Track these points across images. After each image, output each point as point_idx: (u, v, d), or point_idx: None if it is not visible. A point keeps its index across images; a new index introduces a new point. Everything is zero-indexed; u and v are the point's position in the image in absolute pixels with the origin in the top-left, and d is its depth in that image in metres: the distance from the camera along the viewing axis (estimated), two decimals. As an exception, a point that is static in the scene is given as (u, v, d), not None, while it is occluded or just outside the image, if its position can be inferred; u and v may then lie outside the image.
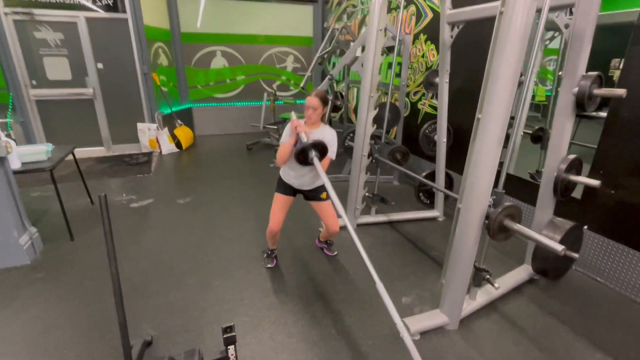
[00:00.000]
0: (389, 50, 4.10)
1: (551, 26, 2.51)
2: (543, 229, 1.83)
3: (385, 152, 3.00)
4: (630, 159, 2.10)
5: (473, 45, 3.13)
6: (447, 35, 2.65)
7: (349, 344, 1.80)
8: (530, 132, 2.94)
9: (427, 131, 3.20)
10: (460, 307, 1.86)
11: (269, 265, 2.42)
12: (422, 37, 3.99)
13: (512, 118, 1.61)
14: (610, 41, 1.87)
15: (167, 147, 5.45)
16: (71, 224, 2.79)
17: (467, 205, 1.68)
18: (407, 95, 4.32)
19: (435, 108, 3.88)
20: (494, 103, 1.51)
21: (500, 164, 1.65)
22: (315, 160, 1.96)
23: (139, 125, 5.33)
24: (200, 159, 5.29)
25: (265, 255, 2.49)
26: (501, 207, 1.63)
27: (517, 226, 1.62)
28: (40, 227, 2.74)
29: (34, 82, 4.78)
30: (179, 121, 5.77)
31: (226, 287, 2.22)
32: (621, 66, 2.13)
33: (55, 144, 3.00)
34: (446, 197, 3.34)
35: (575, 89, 1.81)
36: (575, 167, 2.01)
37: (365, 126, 2.74)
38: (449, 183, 3.24)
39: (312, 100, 2.05)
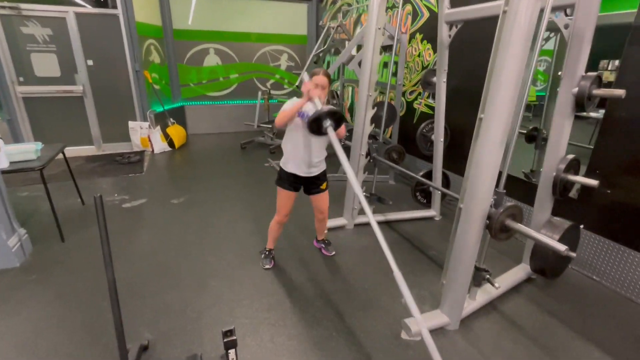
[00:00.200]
0: (385, 49, 4.09)
1: (547, 27, 2.53)
2: (542, 229, 1.83)
3: (381, 152, 2.99)
4: (626, 159, 2.13)
5: (470, 45, 3.14)
6: (445, 34, 2.64)
7: (350, 344, 1.78)
8: (525, 131, 2.97)
9: (424, 131, 3.20)
10: (461, 307, 1.86)
11: (267, 267, 2.38)
12: (418, 36, 3.99)
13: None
14: (598, 43, 1.91)
15: (160, 145, 5.36)
16: (61, 224, 2.71)
17: (469, 205, 1.67)
18: (403, 94, 4.32)
19: (431, 107, 3.89)
20: (496, 103, 1.50)
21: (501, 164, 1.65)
22: (330, 130, 1.80)
23: (131, 124, 5.22)
24: (193, 158, 5.21)
25: (263, 256, 2.45)
26: (503, 207, 1.63)
27: (519, 226, 1.63)
28: (29, 228, 2.66)
29: (21, 79, 4.64)
30: (171, 119, 5.68)
31: (224, 287, 2.19)
32: (612, 67, 2.15)
33: (43, 143, 2.91)
34: (443, 196, 3.35)
35: (575, 89, 1.82)
36: (573, 166, 2.02)
37: (363, 125, 2.72)
38: (446, 182, 3.25)
39: (322, 79, 1.92)
